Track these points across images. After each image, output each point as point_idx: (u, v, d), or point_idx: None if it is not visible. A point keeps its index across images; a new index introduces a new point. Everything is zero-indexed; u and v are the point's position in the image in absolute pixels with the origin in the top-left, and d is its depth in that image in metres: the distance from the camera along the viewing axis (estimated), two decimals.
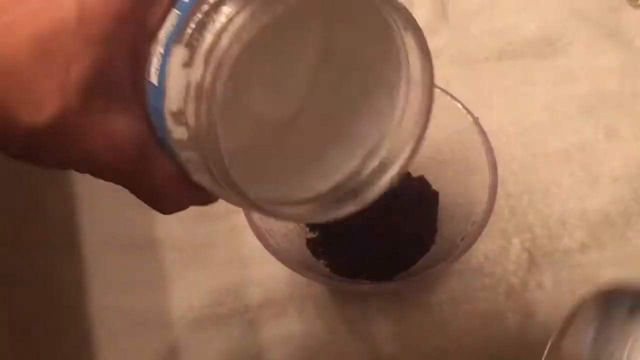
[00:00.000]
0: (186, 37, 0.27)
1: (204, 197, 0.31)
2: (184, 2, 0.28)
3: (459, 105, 0.47)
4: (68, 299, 0.51)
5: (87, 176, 0.28)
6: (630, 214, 0.52)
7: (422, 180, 0.51)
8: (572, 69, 0.58)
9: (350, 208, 0.32)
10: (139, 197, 0.30)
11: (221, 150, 0.27)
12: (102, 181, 0.28)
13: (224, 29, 0.27)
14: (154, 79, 0.28)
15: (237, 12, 0.27)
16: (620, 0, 0.61)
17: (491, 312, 0.49)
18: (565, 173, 0.54)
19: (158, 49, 0.28)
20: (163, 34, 0.28)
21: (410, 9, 0.28)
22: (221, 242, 0.53)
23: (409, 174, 0.51)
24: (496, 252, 0.51)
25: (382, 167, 0.33)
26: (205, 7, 0.27)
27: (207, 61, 0.27)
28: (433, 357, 0.48)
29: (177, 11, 0.28)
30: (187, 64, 0.27)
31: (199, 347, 0.49)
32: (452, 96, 0.47)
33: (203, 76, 0.27)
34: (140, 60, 0.28)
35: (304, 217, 0.37)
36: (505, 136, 0.55)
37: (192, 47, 0.27)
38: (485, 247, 0.51)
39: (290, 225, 0.49)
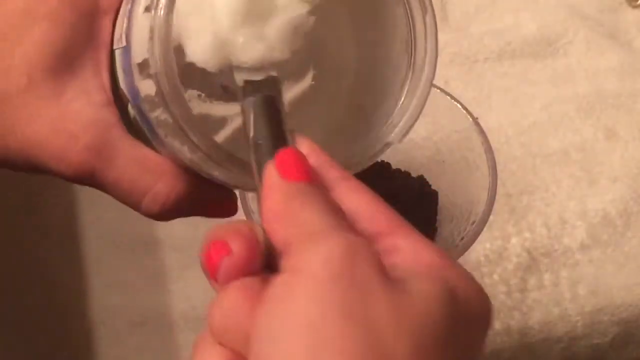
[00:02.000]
0: None
1: (194, 185, 0.28)
2: None
3: (459, 106, 0.47)
4: (68, 299, 0.51)
5: None
6: (630, 214, 0.52)
7: (421, 180, 0.51)
8: (572, 69, 0.58)
9: None
10: (111, 194, 0.27)
11: (182, 92, 0.25)
12: None
13: None
14: (122, 42, 0.26)
15: None
16: (619, 0, 0.61)
17: None
18: (565, 173, 0.54)
19: (126, 9, 0.26)
20: None
21: None
22: None
23: (408, 174, 0.51)
24: (496, 252, 0.51)
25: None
26: None
27: None
28: None
29: None
30: (149, 7, 0.24)
31: None
32: (451, 96, 0.47)
33: (156, 12, 0.24)
34: (101, 41, 0.26)
35: None
36: (504, 136, 0.55)
37: None
38: (484, 247, 0.51)
39: None
